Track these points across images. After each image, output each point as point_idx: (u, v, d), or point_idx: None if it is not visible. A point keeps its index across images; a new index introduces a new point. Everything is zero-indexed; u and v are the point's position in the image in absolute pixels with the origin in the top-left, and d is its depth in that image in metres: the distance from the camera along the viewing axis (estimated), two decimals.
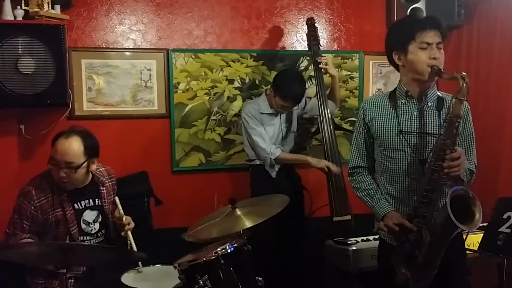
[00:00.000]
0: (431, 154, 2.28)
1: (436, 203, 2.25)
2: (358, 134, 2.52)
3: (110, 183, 2.93)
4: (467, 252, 2.91)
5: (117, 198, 2.84)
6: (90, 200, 2.81)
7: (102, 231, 2.86)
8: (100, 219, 2.83)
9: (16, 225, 2.68)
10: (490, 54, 3.92)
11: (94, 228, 2.81)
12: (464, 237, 3.00)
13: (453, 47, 4.18)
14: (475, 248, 3.05)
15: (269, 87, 3.90)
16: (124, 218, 2.77)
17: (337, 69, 4.17)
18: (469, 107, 2.42)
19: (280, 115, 3.70)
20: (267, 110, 3.65)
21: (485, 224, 3.07)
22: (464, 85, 2.16)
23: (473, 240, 3.09)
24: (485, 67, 3.95)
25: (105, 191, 2.88)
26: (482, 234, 3.05)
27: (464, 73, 2.18)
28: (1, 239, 2.74)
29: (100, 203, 2.84)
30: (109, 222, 2.87)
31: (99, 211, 2.84)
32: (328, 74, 3.75)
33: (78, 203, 2.77)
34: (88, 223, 2.79)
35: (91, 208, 2.81)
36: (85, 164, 2.69)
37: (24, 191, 2.71)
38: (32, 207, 2.66)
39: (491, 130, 3.83)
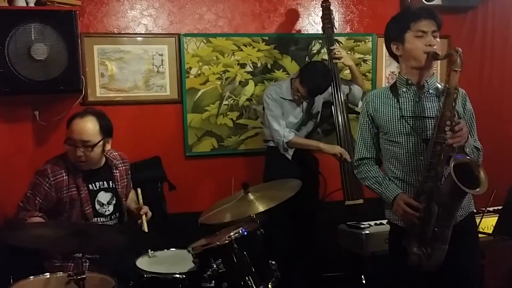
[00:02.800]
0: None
1: (442, 176, 2.27)
2: (363, 126, 2.56)
3: (123, 167, 2.98)
4: (482, 235, 2.91)
5: (139, 190, 2.91)
6: (104, 182, 2.87)
7: (116, 214, 2.91)
8: (114, 202, 2.89)
9: (29, 200, 2.74)
10: (505, 35, 3.86)
11: (108, 210, 2.86)
12: (479, 220, 3.00)
13: (468, 28, 4.12)
14: (490, 231, 3.03)
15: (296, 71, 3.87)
16: (142, 208, 2.83)
17: (349, 52, 4.15)
18: (465, 92, 2.48)
19: (302, 102, 3.68)
20: (288, 96, 3.64)
21: (499, 208, 3.06)
22: (458, 57, 2.20)
23: (488, 224, 3.07)
24: (500, 48, 3.91)
25: (118, 174, 2.93)
26: (496, 218, 3.03)
27: (458, 48, 2.22)
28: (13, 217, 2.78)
29: (113, 186, 2.90)
30: (123, 206, 2.92)
31: (113, 194, 2.90)
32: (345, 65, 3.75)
33: (93, 184, 2.83)
34: (102, 204, 2.85)
35: (105, 190, 2.87)
36: (101, 143, 2.75)
37: (41, 169, 2.77)
38: (47, 184, 2.72)
39: (505, 112, 3.79)
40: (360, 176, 2.58)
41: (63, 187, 2.74)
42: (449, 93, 2.23)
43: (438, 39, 2.39)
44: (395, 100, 2.44)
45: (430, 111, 2.39)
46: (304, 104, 3.70)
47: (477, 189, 2.16)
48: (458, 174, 2.12)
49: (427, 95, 2.42)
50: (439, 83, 2.47)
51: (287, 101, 3.63)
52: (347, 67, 3.79)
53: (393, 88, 2.49)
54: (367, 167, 2.54)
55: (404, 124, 2.39)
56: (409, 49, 2.38)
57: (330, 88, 3.68)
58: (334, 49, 3.69)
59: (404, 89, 2.44)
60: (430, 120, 2.37)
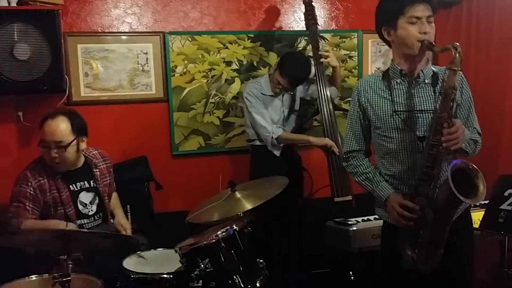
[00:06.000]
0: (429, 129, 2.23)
1: (437, 179, 2.20)
2: (353, 117, 2.46)
3: (104, 166, 2.96)
4: None
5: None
6: (85, 182, 2.86)
7: (100, 214, 2.91)
8: (97, 201, 2.88)
9: (18, 209, 2.69)
10: (489, 29, 3.87)
11: (92, 210, 2.86)
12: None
13: (453, 22, 4.14)
14: (477, 225, 3.05)
15: (274, 64, 3.87)
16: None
17: (335, 48, 4.16)
18: (463, 75, 2.34)
19: (283, 96, 3.68)
20: (269, 92, 3.63)
21: (486, 202, 3.07)
22: (457, 55, 2.10)
23: (475, 218, 3.06)
24: (485, 43, 3.92)
25: (98, 172, 2.92)
26: (483, 212, 3.05)
27: (456, 43, 2.12)
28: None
29: (95, 185, 2.89)
30: (106, 205, 2.92)
31: (95, 193, 2.89)
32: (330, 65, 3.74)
33: (73, 184, 2.82)
34: (85, 205, 2.84)
35: (87, 190, 2.86)
36: (74, 142, 2.73)
37: (20, 176, 2.75)
38: (31, 188, 2.70)
39: (491, 106, 3.81)
40: (349, 170, 2.50)
41: (46, 190, 2.72)
42: (446, 93, 2.12)
43: (433, 25, 2.25)
44: (388, 92, 2.33)
45: (425, 104, 2.28)
46: (286, 99, 3.70)
47: (475, 198, 2.09)
48: (456, 179, 2.05)
49: (423, 85, 2.30)
50: (433, 67, 2.35)
51: (267, 97, 3.62)
52: (330, 67, 3.77)
53: (386, 77, 2.36)
54: (356, 161, 2.45)
55: (397, 119, 2.29)
56: (401, 36, 2.24)
57: (312, 85, 3.71)
58: (322, 49, 3.68)
59: (398, 80, 2.32)
60: (425, 114, 2.27)
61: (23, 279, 2.37)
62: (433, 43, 2.21)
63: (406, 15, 2.22)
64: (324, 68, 3.72)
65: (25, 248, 2.70)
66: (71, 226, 2.69)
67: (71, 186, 2.80)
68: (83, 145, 2.81)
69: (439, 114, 2.13)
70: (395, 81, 2.34)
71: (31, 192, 2.70)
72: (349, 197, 3.57)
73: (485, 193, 2.10)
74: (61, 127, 2.71)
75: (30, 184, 2.70)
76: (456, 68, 2.11)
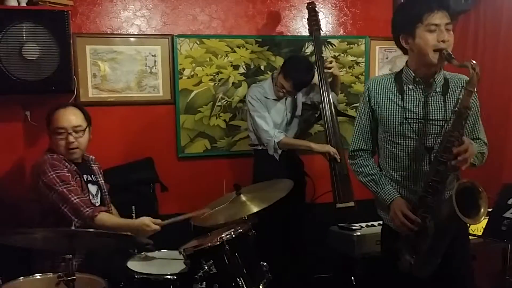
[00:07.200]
0: (438, 144, 2.23)
1: (442, 193, 2.21)
2: (362, 116, 2.44)
3: (97, 167, 3.00)
4: (472, 237, 2.92)
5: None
6: (89, 175, 2.89)
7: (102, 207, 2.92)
8: (100, 195, 2.91)
9: (73, 190, 2.63)
10: (496, 39, 3.88)
11: (97, 202, 2.88)
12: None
13: (460, 32, 4.14)
14: (480, 233, 3.05)
15: (277, 69, 3.89)
16: None
17: (343, 54, 4.17)
18: None
19: (286, 100, 3.69)
20: (272, 95, 3.64)
21: (489, 210, 3.07)
22: (475, 75, 2.07)
23: (478, 226, 3.08)
24: (491, 52, 3.92)
25: (96, 168, 2.96)
26: (486, 220, 3.05)
27: (474, 62, 2.09)
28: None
29: (96, 179, 2.92)
30: (107, 200, 2.95)
31: (98, 186, 2.91)
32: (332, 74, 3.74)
33: (83, 175, 2.84)
34: (93, 195, 2.86)
35: (92, 183, 2.89)
36: (87, 129, 2.81)
37: (44, 167, 2.66)
38: (65, 170, 2.68)
39: (496, 116, 3.80)
40: (354, 168, 2.50)
41: (72, 172, 2.73)
42: (460, 113, 2.11)
43: (451, 33, 2.22)
44: (400, 97, 2.31)
45: (435, 113, 2.28)
46: (288, 103, 3.71)
47: (475, 218, 2.11)
48: (460, 195, 2.07)
49: (433, 94, 2.29)
50: (445, 73, 2.33)
51: (271, 100, 3.63)
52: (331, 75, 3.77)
53: (398, 80, 2.34)
54: (362, 160, 2.45)
55: (407, 126, 2.29)
56: (420, 45, 2.21)
57: (313, 90, 3.73)
58: (326, 60, 3.69)
59: (410, 86, 2.31)
60: (435, 124, 2.27)
61: (28, 277, 2.38)
62: (452, 54, 2.18)
63: (424, 22, 2.19)
64: (327, 74, 3.74)
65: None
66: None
67: (83, 176, 2.83)
68: (90, 136, 2.87)
69: (451, 133, 2.13)
70: (407, 86, 2.33)
71: (67, 174, 2.68)
72: (351, 203, 3.55)
73: (484, 215, 2.12)
74: (76, 113, 2.78)
75: (61, 167, 2.67)
76: (472, 89, 2.09)
